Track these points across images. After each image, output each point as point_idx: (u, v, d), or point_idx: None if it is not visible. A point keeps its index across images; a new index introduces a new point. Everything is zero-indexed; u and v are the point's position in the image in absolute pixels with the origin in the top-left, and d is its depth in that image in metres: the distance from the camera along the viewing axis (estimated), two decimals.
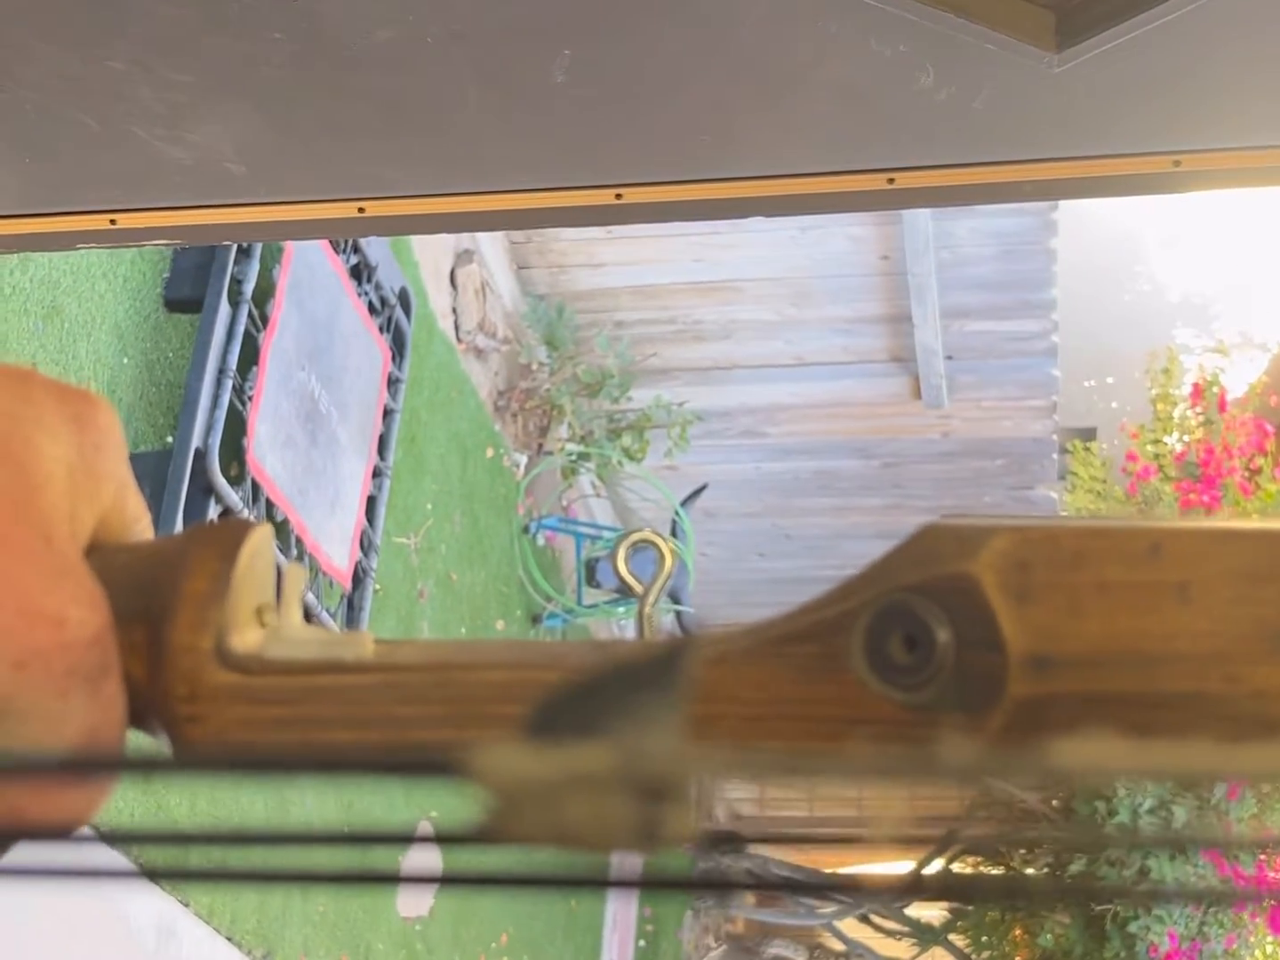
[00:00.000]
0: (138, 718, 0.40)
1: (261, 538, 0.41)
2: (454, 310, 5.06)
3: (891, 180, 1.20)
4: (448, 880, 0.31)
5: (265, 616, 0.41)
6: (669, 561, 0.43)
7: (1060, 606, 0.36)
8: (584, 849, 0.30)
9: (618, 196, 1.23)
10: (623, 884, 0.32)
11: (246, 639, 0.40)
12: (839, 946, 8.06)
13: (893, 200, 1.24)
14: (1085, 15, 1.03)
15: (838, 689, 0.37)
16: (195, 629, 0.39)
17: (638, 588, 0.42)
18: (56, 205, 1.24)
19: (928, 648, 0.36)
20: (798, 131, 1.15)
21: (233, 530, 0.41)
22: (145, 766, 0.34)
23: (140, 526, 0.43)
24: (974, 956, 6.44)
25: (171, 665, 0.39)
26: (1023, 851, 7.67)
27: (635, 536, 0.45)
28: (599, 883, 0.31)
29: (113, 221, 1.27)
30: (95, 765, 0.38)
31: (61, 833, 0.38)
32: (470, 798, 0.30)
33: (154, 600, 0.40)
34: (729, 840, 0.35)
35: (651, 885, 0.32)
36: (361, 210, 1.24)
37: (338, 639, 0.40)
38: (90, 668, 0.38)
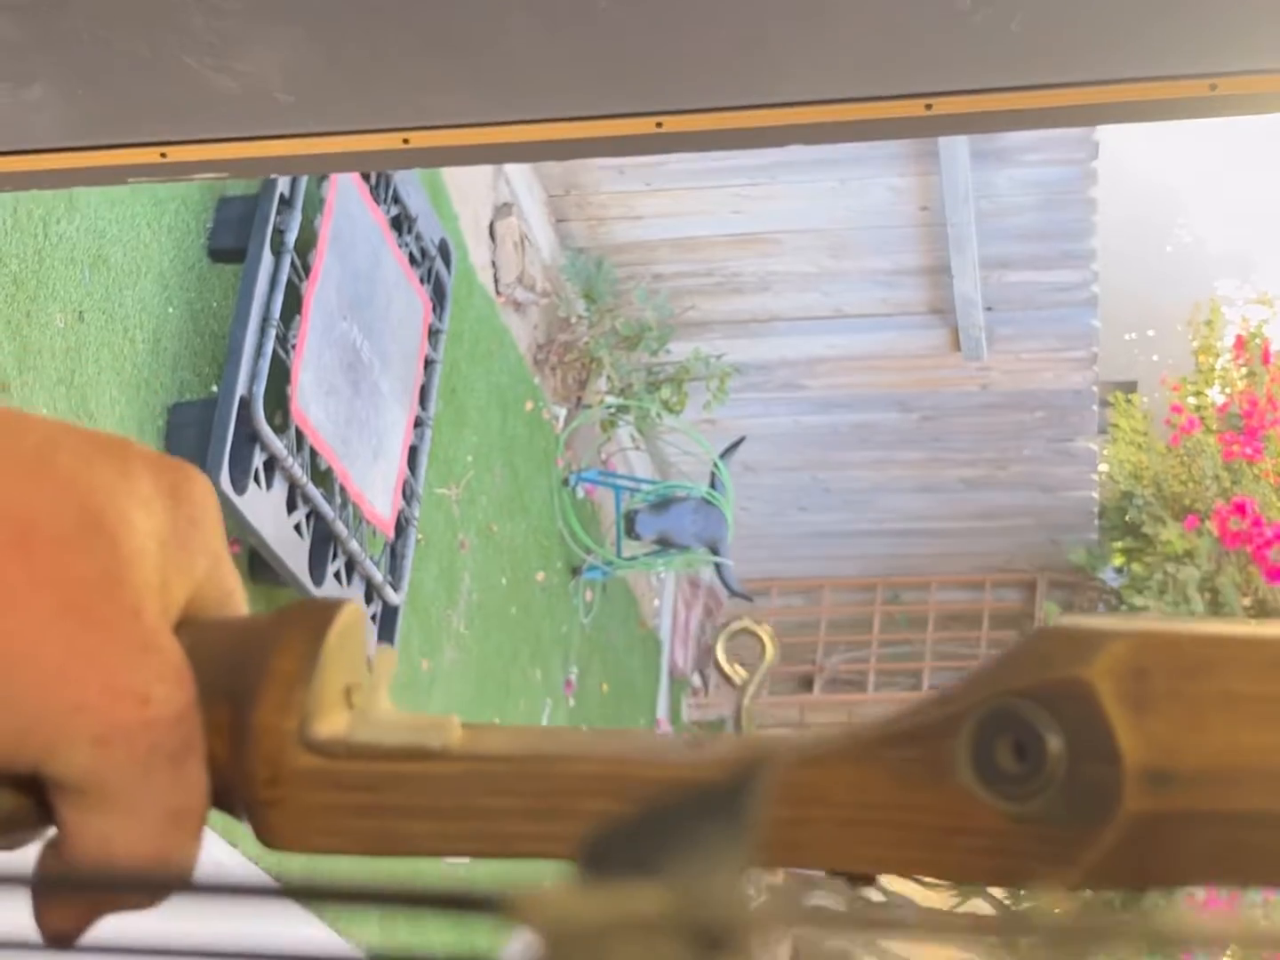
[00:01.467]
0: (220, 799, 0.39)
1: (351, 617, 0.41)
2: (493, 263, 5.08)
3: (929, 106, 1.22)
4: None
5: (353, 698, 0.40)
6: (770, 652, 0.42)
7: (1180, 718, 0.34)
8: None
9: (658, 125, 1.24)
10: None
11: (332, 721, 0.39)
12: (879, 897, 8.09)
13: (930, 127, 1.25)
14: None
15: (940, 796, 0.36)
16: (280, 710, 0.38)
17: (738, 679, 0.41)
18: (109, 137, 1.27)
19: (1038, 756, 0.35)
20: (836, 57, 1.17)
21: (322, 609, 0.40)
22: (204, 890, 0.34)
23: (234, 601, 0.42)
24: (1013, 907, 6.47)
25: (254, 746, 0.38)
26: None
27: (735, 626, 0.43)
28: None
29: (163, 155, 1.30)
30: (161, 885, 0.37)
31: (159, 890, 0.37)
32: (519, 938, 0.29)
33: (240, 679, 0.39)
34: None
35: None
36: (406, 141, 1.26)
37: (425, 723, 0.39)
38: (173, 746, 0.37)
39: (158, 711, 0.37)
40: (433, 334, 4.07)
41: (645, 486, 6.08)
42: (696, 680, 7.66)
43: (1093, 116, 1.24)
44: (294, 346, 3.22)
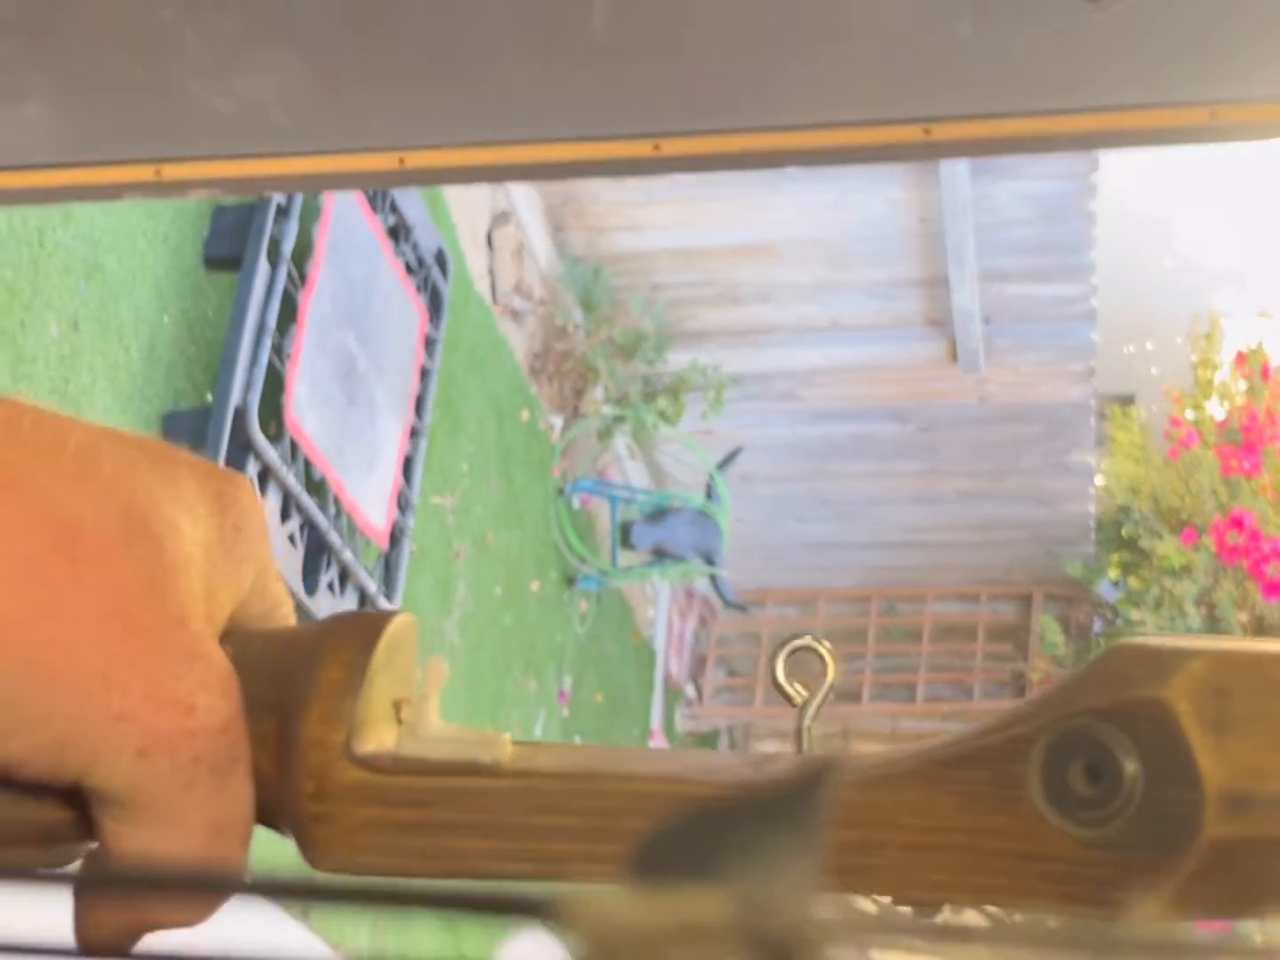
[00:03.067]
0: (264, 813, 0.38)
1: (401, 629, 0.39)
2: (490, 272, 5.07)
3: (928, 131, 1.21)
4: None
5: (402, 712, 0.39)
6: (832, 670, 0.40)
7: (1263, 740, 0.33)
8: None
9: (655, 147, 1.24)
10: None
11: (380, 735, 0.38)
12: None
13: (929, 151, 1.24)
14: None
15: (1011, 820, 0.35)
16: (326, 722, 0.37)
17: (798, 699, 0.38)
18: (103, 155, 1.26)
19: (1113, 780, 0.34)
20: (835, 81, 1.16)
21: (371, 621, 0.39)
22: (261, 888, 0.32)
23: (281, 612, 0.42)
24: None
25: (300, 759, 0.37)
26: None
27: (795, 644, 0.41)
28: None
29: (158, 172, 1.29)
30: (217, 885, 0.36)
31: (202, 910, 0.37)
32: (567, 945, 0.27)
33: (286, 690, 0.38)
34: None
35: None
36: (402, 161, 1.26)
37: (475, 739, 0.38)
38: (218, 758, 0.36)
39: (202, 721, 0.36)
40: (429, 343, 4.06)
41: (641, 496, 6.07)
42: (691, 690, 7.64)
43: (1092, 142, 1.23)
44: (289, 356, 3.21)
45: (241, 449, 3.02)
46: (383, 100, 1.19)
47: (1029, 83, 1.16)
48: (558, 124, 1.21)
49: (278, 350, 3.17)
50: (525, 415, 5.35)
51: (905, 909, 0.36)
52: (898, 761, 0.36)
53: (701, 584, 7.22)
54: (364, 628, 0.39)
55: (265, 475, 3.11)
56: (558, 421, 5.64)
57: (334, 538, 3.41)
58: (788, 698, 0.39)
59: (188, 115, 1.20)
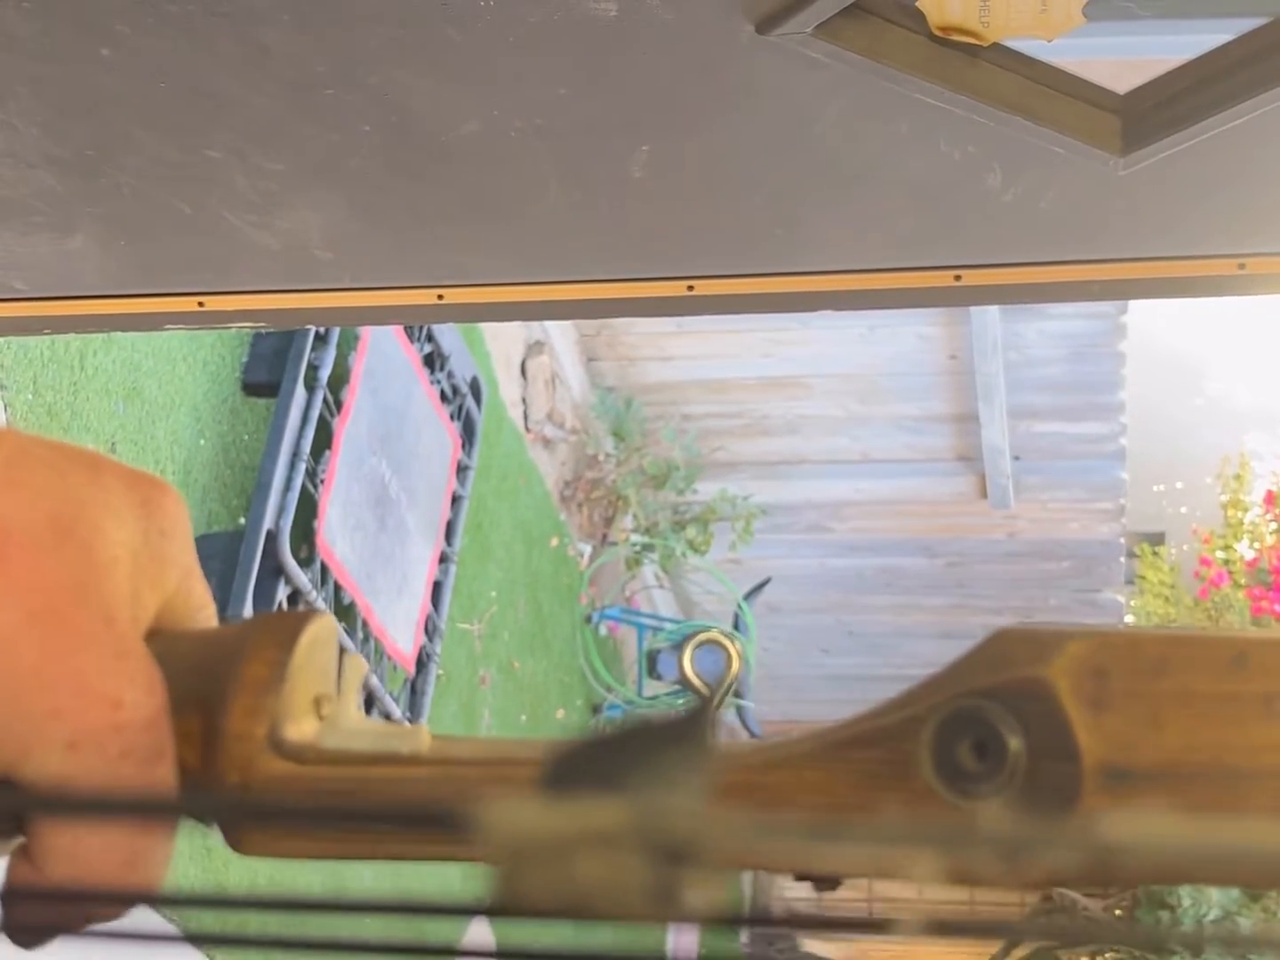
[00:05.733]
0: None
1: (322, 628, 0.41)
2: (523, 400, 5.11)
3: (958, 277, 1.23)
4: (502, 955, 0.30)
5: (323, 707, 0.41)
6: (735, 664, 0.42)
7: (1139, 716, 0.35)
8: (596, 913, 0.28)
9: (690, 288, 1.26)
10: None
11: (302, 728, 0.40)
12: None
13: (959, 297, 1.26)
14: (1151, 120, 1.05)
15: (904, 797, 0.36)
16: (250, 716, 0.39)
17: (703, 689, 0.41)
18: (147, 287, 1.28)
19: (999, 755, 0.35)
20: (867, 228, 1.18)
21: (293, 619, 0.41)
22: (198, 807, 0.35)
23: (205, 614, 0.43)
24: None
25: (225, 753, 0.39)
26: (1084, 958, 7.53)
27: (702, 636, 0.42)
28: None
29: (201, 304, 1.32)
30: (155, 809, 0.38)
31: (131, 899, 0.38)
32: (481, 858, 0.29)
33: (210, 687, 0.40)
34: (767, 921, 0.35)
35: None
36: (440, 297, 1.28)
37: (394, 731, 0.40)
38: (144, 751, 0.38)
39: (129, 716, 0.37)
40: (461, 470, 4.09)
41: (668, 625, 6.06)
42: None
43: (1120, 291, 1.25)
44: (323, 481, 3.24)
45: (273, 573, 3.03)
46: (423, 239, 1.21)
47: (1058, 233, 1.18)
48: (594, 265, 1.23)
49: (311, 475, 3.19)
50: (554, 542, 5.36)
51: (805, 882, 0.37)
52: (797, 743, 0.38)
53: (727, 715, 7.18)
54: (285, 626, 0.40)
55: (295, 598, 3.12)
56: (586, 549, 5.65)
57: None
58: (695, 690, 0.41)
59: (232, 250, 1.23)
